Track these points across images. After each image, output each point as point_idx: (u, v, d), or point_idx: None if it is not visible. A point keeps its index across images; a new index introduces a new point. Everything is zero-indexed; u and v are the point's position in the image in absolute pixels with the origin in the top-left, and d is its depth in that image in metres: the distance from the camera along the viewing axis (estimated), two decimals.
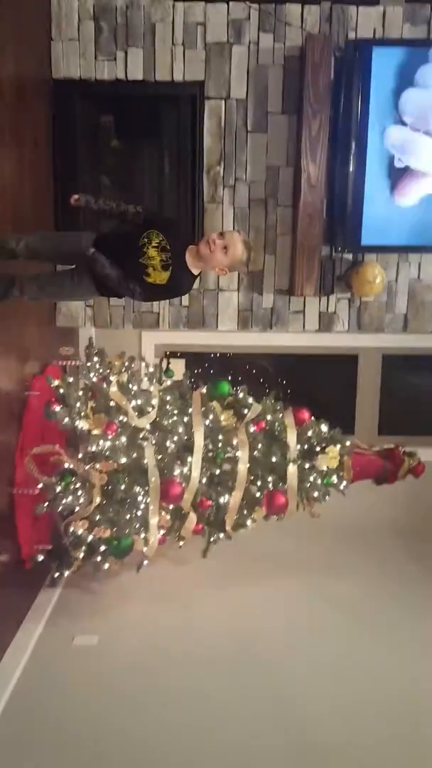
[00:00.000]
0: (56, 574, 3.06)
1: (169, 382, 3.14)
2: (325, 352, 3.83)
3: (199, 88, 3.44)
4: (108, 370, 3.01)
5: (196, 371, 3.76)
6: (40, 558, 2.96)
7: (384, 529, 3.87)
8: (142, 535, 2.93)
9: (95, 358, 3.14)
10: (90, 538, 2.84)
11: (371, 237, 3.38)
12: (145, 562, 3.00)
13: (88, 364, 3.09)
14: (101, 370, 3.01)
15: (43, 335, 3.42)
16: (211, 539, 3.12)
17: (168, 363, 3.40)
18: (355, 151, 3.33)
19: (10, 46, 2.89)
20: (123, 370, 3.14)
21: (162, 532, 3.02)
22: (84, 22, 3.39)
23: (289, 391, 3.58)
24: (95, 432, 2.82)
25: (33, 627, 2.98)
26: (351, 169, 3.35)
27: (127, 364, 3.26)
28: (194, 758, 2.31)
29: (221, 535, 3.13)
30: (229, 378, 3.24)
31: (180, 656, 2.83)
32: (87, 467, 2.79)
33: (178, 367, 3.70)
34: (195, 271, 2.38)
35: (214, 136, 3.48)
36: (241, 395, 3.07)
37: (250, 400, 3.09)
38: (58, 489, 2.74)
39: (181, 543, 3.10)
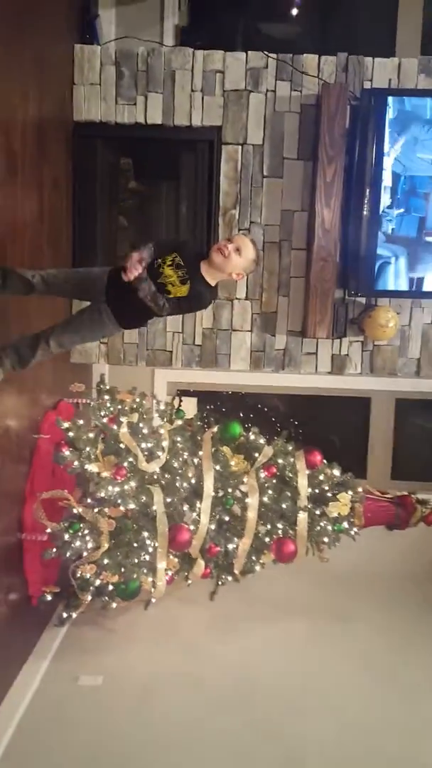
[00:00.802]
0: (64, 615, 3.05)
1: (180, 422, 3.15)
2: (338, 394, 3.83)
3: (217, 133, 3.50)
4: (119, 408, 3.02)
5: (207, 409, 3.78)
6: (48, 598, 2.95)
7: (393, 574, 3.82)
8: (150, 579, 2.93)
9: (106, 396, 3.16)
10: (98, 582, 2.83)
11: (386, 281, 3.41)
12: (153, 599, 2.99)
13: (99, 401, 3.11)
14: (111, 409, 3.02)
15: (57, 371, 3.44)
16: (219, 582, 3.11)
17: (180, 401, 3.41)
18: (369, 197, 3.37)
19: (33, 89, 2.96)
20: (134, 407, 3.16)
21: (170, 572, 3.01)
22: (106, 67, 3.48)
23: (300, 431, 3.58)
24: (104, 474, 2.83)
25: (38, 665, 2.96)
26: (365, 214, 3.39)
27: (138, 400, 3.28)
28: None
29: (229, 578, 3.12)
30: (241, 417, 3.25)
31: (184, 698, 2.80)
32: (95, 513, 2.79)
33: (190, 405, 3.72)
34: (212, 283, 2.41)
35: (231, 180, 3.54)
36: (252, 437, 3.07)
37: (262, 440, 3.09)
38: (67, 537, 2.74)
39: (189, 581, 3.09)
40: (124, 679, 2.91)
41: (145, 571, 2.90)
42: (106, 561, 2.83)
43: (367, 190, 3.37)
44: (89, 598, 2.96)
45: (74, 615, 3.06)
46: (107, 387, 3.27)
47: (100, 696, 2.80)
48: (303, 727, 2.67)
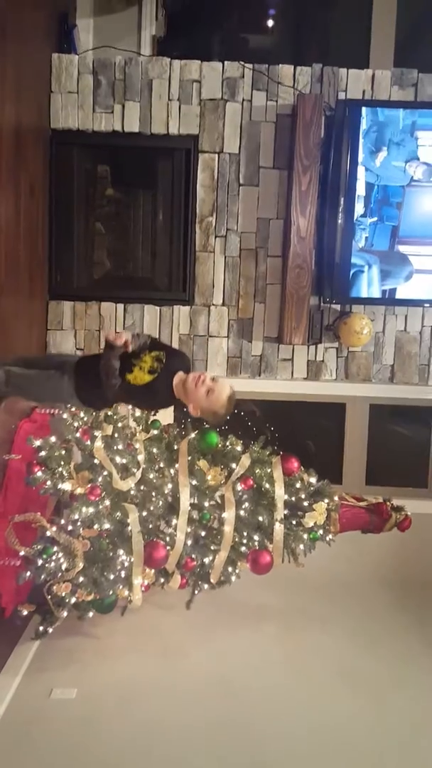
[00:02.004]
0: (41, 628, 3.02)
1: (155, 432, 3.14)
2: (314, 400, 3.86)
3: (194, 141, 3.54)
4: (92, 419, 3.00)
5: (184, 415, 3.78)
6: (24, 613, 2.93)
7: (365, 578, 3.83)
8: (126, 593, 2.92)
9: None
10: (73, 600, 2.82)
11: (359, 289, 3.45)
12: (129, 605, 2.97)
13: (71, 412, 3.09)
14: (85, 419, 3.01)
15: None
16: (196, 591, 3.10)
17: None
18: (344, 206, 3.42)
19: (10, 96, 2.97)
20: (108, 415, 3.15)
21: (147, 582, 3.00)
22: (83, 76, 3.50)
23: (277, 437, 3.59)
24: (79, 491, 2.81)
25: (10, 680, 2.91)
26: (340, 223, 3.44)
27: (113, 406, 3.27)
28: None
29: (205, 585, 3.11)
30: (218, 428, 3.24)
31: (159, 712, 2.76)
32: (69, 536, 2.77)
33: (167, 411, 3.71)
34: (176, 395, 2.33)
35: (207, 188, 3.57)
36: (229, 446, 3.07)
37: (239, 448, 3.08)
38: (40, 562, 2.72)
39: (164, 588, 3.08)
40: (99, 691, 2.87)
41: (120, 586, 2.89)
42: (81, 579, 2.81)
43: (342, 199, 3.42)
44: (65, 614, 2.94)
45: (50, 630, 3.03)
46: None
47: (74, 709, 2.77)
48: (276, 728, 2.67)
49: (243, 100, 3.52)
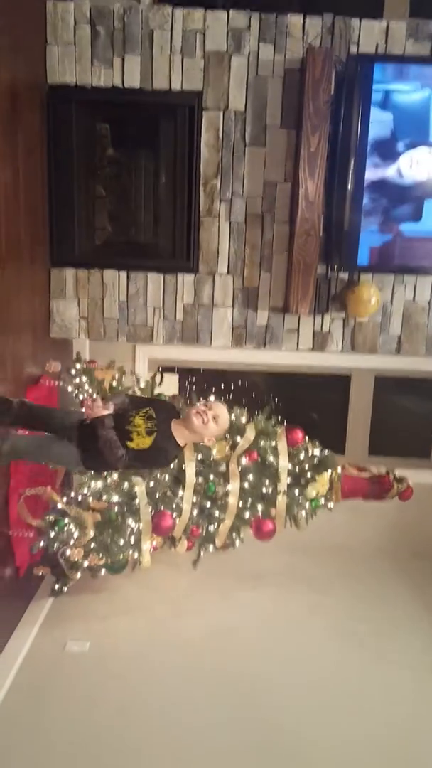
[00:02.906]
0: (56, 586, 3.13)
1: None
2: (319, 371, 3.83)
3: (197, 98, 3.37)
4: (97, 391, 3.00)
5: (188, 383, 3.77)
6: (40, 574, 3.03)
7: (367, 545, 3.93)
8: (136, 555, 3.00)
9: (84, 378, 3.14)
10: (86, 564, 2.91)
11: (368, 257, 3.36)
12: (139, 566, 3.08)
13: (76, 380, 3.07)
14: (89, 390, 3.00)
15: (37, 346, 3.40)
16: (201, 552, 3.18)
17: (161, 377, 3.39)
18: (354, 168, 3.29)
19: (4, 50, 2.82)
20: (113, 385, 3.15)
21: (155, 543, 3.09)
22: (80, 25, 3.30)
23: (281, 408, 3.59)
24: None
25: (26, 633, 3.05)
26: (349, 187, 3.32)
27: (117, 377, 3.26)
28: (181, 762, 2.39)
29: (211, 547, 3.18)
30: (222, 394, 3.24)
31: (167, 663, 2.92)
32: (79, 509, 2.83)
33: (172, 382, 3.71)
34: (181, 442, 2.38)
35: (212, 149, 3.43)
36: (234, 418, 3.07)
37: (244, 419, 3.09)
38: (53, 534, 2.78)
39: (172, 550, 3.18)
40: (111, 644, 3.02)
41: (130, 551, 2.98)
42: (92, 545, 2.89)
43: (352, 161, 3.28)
44: (78, 575, 3.04)
45: (65, 589, 3.13)
46: (84, 366, 3.24)
47: (88, 661, 2.91)
48: (275, 679, 2.85)
49: (249, 53, 3.32)
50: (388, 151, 3.29)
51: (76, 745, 2.45)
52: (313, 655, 3.03)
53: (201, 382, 3.87)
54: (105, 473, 2.88)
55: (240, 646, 3.06)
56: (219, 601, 3.39)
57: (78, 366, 3.28)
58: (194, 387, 3.82)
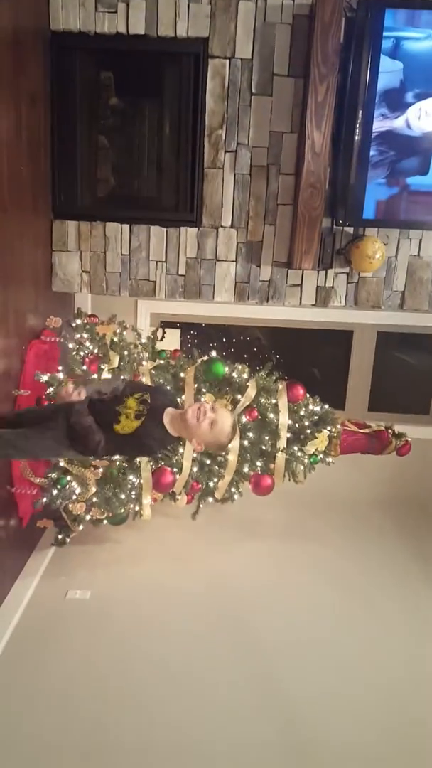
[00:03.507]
0: (59, 536, 3.18)
1: (161, 362, 3.15)
2: (321, 326, 3.81)
3: (203, 45, 3.29)
4: (98, 348, 3.00)
5: (190, 341, 3.77)
6: (43, 527, 3.08)
7: (365, 498, 3.96)
8: (137, 508, 3.04)
9: (84, 334, 3.13)
10: (88, 517, 2.95)
11: (373, 211, 3.31)
12: (140, 518, 3.12)
13: (77, 336, 3.06)
14: (91, 347, 3.01)
15: (39, 300, 3.39)
16: (201, 505, 3.22)
17: (163, 332, 3.39)
18: (362, 119, 3.22)
19: None
20: (114, 340, 3.14)
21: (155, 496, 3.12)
22: None
23: (282, 362, 3.59)
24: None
25: (28, 581, 3.11)
26: (357, 139, 3.25)
27: (119, 332, 3.26)
28: (182, 713, 2.43)
29: (210, 499, 3.22)
30: (224, 349, 3.23)
31: (166, 612, 2.97)
32: (81, 468, 2.86)
33: (173, 337, 3.70)
34: (173, 432, 2.21)
35: (217, 98, 3.36)
36: (235, 375, 3.06)
37: (245, 376, 3.08)
38: (55, 492, 2.82)
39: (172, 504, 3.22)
40: (111, 592, 3.08)
41: (131, 506, 3.01)
42: (94, 499, 2.93)
43: (360, 112, 3.22)
44: (81, 527, 3.09)
45: (68, 540, 3.19)
46: (85, 322, 3.23)
47: (89, 609, 2.96)
48: (272, 625, 2.91)
49: None
50: (396, 102, 3.21)
51: (76, 689, 2.50)
52: (309, 603, 3.08)
53: (203, 336, 3.87)
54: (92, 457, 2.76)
55: (238, 594, 3.12)
56: (218, 551, 3.46)
57: (78, 321, 3.28)
58: (195, 341, 3.81)
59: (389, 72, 3.17)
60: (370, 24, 3.11)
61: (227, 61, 3.32)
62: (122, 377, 2.46)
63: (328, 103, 3.19)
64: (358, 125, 3.23)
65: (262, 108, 3.36)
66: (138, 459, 2.89)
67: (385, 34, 3.10)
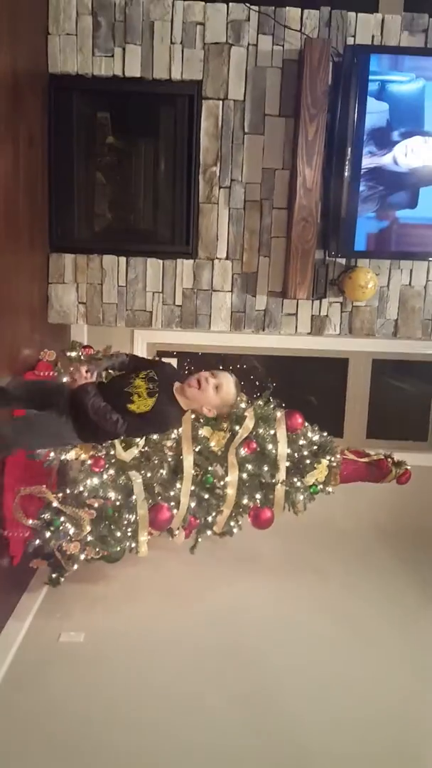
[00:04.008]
0: (53, 575, 3.09)
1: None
2: (317, 354, 3.86)
3: (197, 87, 3.43)
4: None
5: (186, 367, 3.78)
6: (36, 567, 3.00)
7: (364, 527, 3.94)
8: (133, 545, 2.99)
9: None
10: (82, 557, 2.89)
11: (365, 243, 3.42)
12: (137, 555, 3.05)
13: (71, 368, 3.05)
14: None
15: (35, 331, 3.39)
16: (199, 539, 3.16)
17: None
18: (351, 156, 3.35)
19: (5, 39, 2.85)
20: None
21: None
22: (82, 16, 3.36)
23: (279, 390, 3.60)
24: (83, 457, 2.83)
25: (20, 623, 3.00)
26: (346, 174, 3.38)
27: None
28: (174, 755, 2.34)
29: (209, 532, 3.17)
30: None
31: (162, 654, 2.87)
32: (75, 508, 2.82)
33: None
34: (184, 406, 2.24)
35: (211, 137, 3.48)
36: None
37: (243, 405, 3.08)
38: (48, 534, 2.77)
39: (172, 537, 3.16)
40: (106, 634, 2.97)
41: (127, 543, 2.96)
42: (89, 538, 2.87)
43: (349, 150, 3.35)
44: (75, 567, 3.01)
45: (62, 579, 3.10)
46: (80, 354, 3.22)
47: (82, 652, 2.85)
48: (275, 664, 2.81)
49: (248, 44, 3.40)
50: (384, 140, 3.36)
51: (69, 736, 2.39)
52: (311, 638, 3.01)
53: (199, 365, 3.89)
54: (106, 443, 2.78)
55: (238, 630, 3.03)
56: (216, 585, 3.37)
57: (73, 354, 3.27)
58: (192, 369, 3.82)
59: (376, 112, 3.32)
60: (357, 68, 3.28)
61: (220, 102, 3.46)
62: (125, 353, 2.44)
63: (318, 141, 3.33)
64: (347, 162, 3.36)
65: (254, 146, 3.49)
66: (135, 494, 2.84)
67: (370, 77, 3.27)
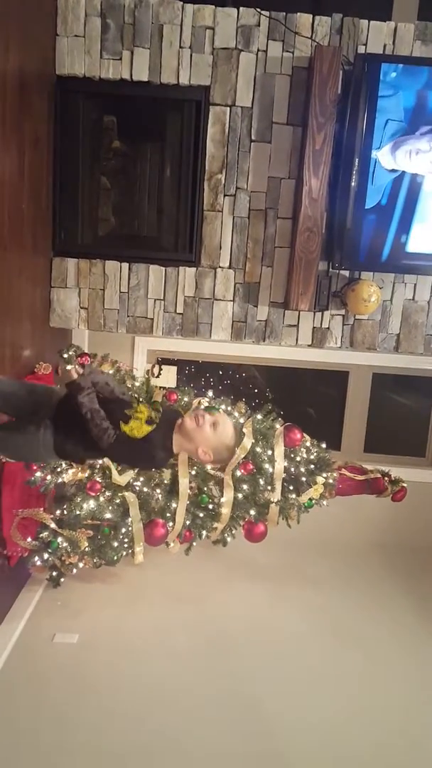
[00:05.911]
0: (53, 574, 3.12)
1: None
2: (317, 366, 3.84)
3: (205, 93, 3.39)
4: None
5: (186, 374, 3.77)
6: (36, 563, 3.03)
7: (361, 540, 3.93)
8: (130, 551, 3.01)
9: None
10: (80, 565, 2.93)
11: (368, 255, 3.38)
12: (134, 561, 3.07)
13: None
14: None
15: (35, 335, 3.40)
16: (194, 543, 3.17)
17: (159, 369, 3.39)
18: (359, 167, 3.31)
19: (14, 40, 2.83)
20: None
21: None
22: (91, 18, 3.32)
23: (277, 401, 3.60)
24: (80, 476, 2.84)
25: (15, 624, 3.03)
26: (353, 186, 3.33)
27: (112, 372, 3.24)
28: (168, 756, 2.36)
29: (204, 532, 3.16)
30: (220, 388, 3.22)
31: (155, 656, 2.90)
32: (71, 531, 2.84)
33: (170, 374, 3.71)
34: (174, 449, 2.09)
35: (217, 143, 3.45)
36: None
37: (242, 420, 3.05)
38: (46, 556, 2.79)
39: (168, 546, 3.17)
40: (99, 636, 3.00)
41: (124, 553, 2.99)
42: (86, 549, 2.91)
43: (356, 161, 3.30)
44: (74, 571, 3.04)
45: (62, 580, 3.13)
46: (75, 365, 3.20)
47: (76, 653, 2.88)
48: (268, 677, 2.82)
49: (258, 50, 3.35)
50: (393, 152, 3.31)
51: (63, 738, 2.42)
52: (306, 651, 3.01)
53: (199, 374, 3.88)
54: (86, 462, 2.70)
55: (230, 635, 3.05)
56: (210, 591, 3.39)
57: (69, 366, 3.23)
58: (192, 378, 3.82)
59: (386, 122, 3.26)
60: (367, 77, 3.22)
61: (228, 109, 3.41)
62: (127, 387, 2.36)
63: (326, 151, 3.28)
64: (354, 173, 3.31)
65: (261, 154, 3.45)
66: (131, 516, 2.84)
67: (381, 86, 3.20)
